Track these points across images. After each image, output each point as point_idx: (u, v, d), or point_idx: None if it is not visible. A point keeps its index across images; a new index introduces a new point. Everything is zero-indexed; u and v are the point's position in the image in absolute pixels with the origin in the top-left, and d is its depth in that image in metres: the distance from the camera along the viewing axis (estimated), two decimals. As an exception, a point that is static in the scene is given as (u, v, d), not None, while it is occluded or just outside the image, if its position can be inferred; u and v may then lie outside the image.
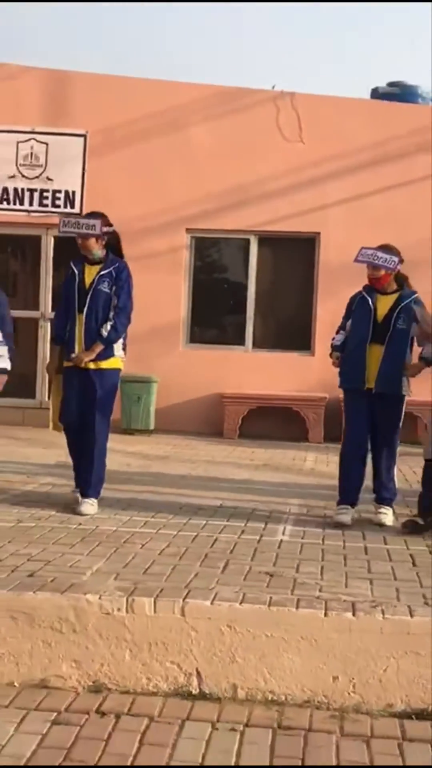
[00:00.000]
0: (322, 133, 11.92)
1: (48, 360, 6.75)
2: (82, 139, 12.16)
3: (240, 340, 12.31)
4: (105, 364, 6.29)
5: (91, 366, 6.25)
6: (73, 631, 4.12)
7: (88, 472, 6.37)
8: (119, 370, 6.45)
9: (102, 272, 6.30)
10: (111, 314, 6.27)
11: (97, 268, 6.34)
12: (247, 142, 11.97)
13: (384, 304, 6.36)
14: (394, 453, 6.46)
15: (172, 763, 3.45)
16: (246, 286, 12.23)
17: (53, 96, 12.16)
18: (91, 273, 6.33)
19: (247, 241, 12.17)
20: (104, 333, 6.25)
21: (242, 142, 11.97)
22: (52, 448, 9.60)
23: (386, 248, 6.44)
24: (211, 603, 4.17)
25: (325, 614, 4.11)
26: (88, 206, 11.93)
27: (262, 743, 3.66)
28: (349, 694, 4.01)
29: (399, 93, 13.70)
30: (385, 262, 6.33)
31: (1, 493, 6.95)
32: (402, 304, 6.33)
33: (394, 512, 6.43)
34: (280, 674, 4.06)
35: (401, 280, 6.50)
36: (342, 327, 6.61)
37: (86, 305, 6.24)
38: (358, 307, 6.43)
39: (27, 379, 12.21)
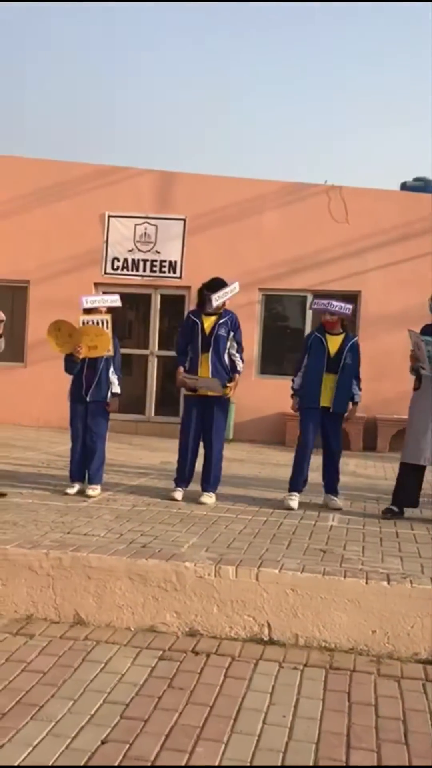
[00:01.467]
0: (363, 216, 11.85)
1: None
2: (182, 222, 12.31)
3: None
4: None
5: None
6: (174, 590, 4.13)
7: (207, 471, 6.32)
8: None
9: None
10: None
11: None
12: (305, 223, 11.97)
13: (334, 343, 6.24)
14: (340, 454, 6.41)
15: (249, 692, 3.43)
16: (303, 331, 12.18)
17: (162, 190, 12.35)
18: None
19: (305, 297, 12.14)
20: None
21: (301, 223, 11.98)
22: (158, 452, 9.71)
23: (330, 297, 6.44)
24: (279, 571, 4.13)
25: (366, 582, 4.05)
26: (186, 273, 12.12)
27: (317, 679, 3.62)
28: (384, 644, 3.94)
29: (423, 185, 13.61)
30: (341, 309, 6.22)
31: (120, 484, 6.99)
32: (348, 344, 6.24)
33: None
34: (331, 627, 4.00)
35: (344, 324, 6.39)
36: (299, 366, 6.42)
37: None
38: (314, 345, 6.29)
39: (140, 399, 12.36)
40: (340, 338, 6.30)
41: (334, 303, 6.24)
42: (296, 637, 4.01)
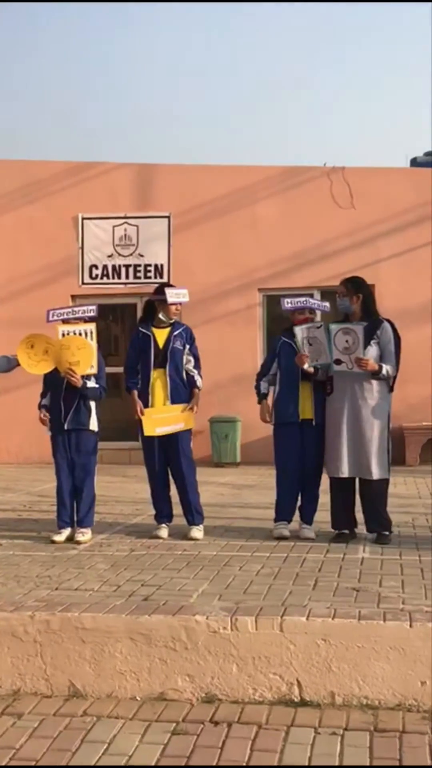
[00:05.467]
0: (371, 199, 11.80)
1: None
2: (166, 220, 12.22)
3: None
4: None
5: None
6: (185, 649, 3.98)
7: (183, 504, 6.35)
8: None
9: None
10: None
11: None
12: (306, 212, 11.91)
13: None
14: (320, 476, 6.34)
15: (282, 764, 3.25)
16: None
17: (141, 185, 12.28)
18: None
19: (311, 296, 12.00)
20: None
21: (302, 212, 11.92)
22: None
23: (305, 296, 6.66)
24: (307, 619, 3.99)
25: (410, 625, 3.89)
26: (174, 277, 12.01)
27: (361, 745, 3.45)
28: (437, 697, 3.77)
29: (436, 161, 13.54)
30: (318, 306, 6.40)
31: (116, 525, 6.87)
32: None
33: None
34: (373, 681, 3.84)
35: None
36: (265, 371, 6.45)
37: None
38: (283, 351, 6.25)
39: (131, 424, 12.16)
40: None
41: (311, 300, 6.40)
42: (332, 696, 3.85)
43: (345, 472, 5.92)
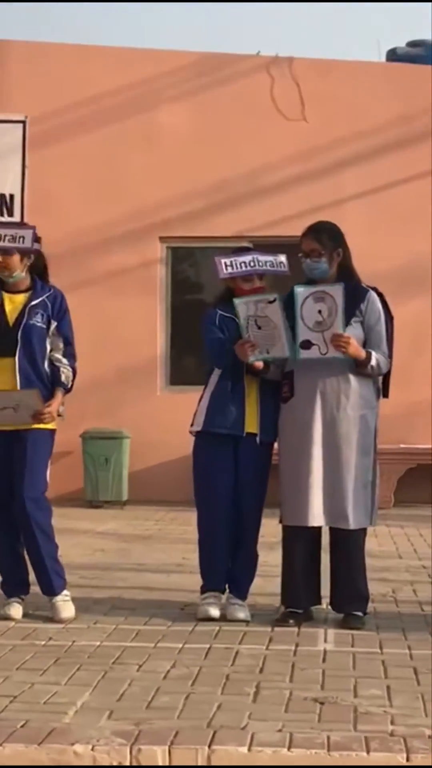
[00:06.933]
0: (331, 108, 11.92)
1: None
2: (20, 126, 11.95)
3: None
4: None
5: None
6: (58, 798, 3.87)
7: (32, 556, 6.26)
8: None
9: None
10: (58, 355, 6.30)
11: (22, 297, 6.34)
12: (234, 123, 11.96)
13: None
14: (259, 521, 6.42)
15: None
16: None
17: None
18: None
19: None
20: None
21: (228, 125, 11.96)
22: None
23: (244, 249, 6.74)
24: (248, 749, 3.91)
25: (407, 758, 3.86)
26: (30, 214, 11.78)
27: None
28: None
29: (424, 54, 13.71)
30: (274, 266, 6.28)
31: None
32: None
33: None
34: None
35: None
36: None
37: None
38: (225, 329, 6.27)
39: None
40: None
41: (261, 258, 6.29)
42: None
43: (314, 519, 5.94)
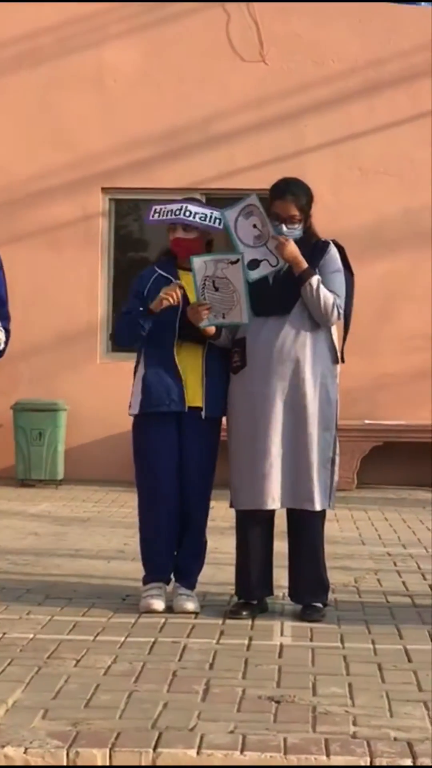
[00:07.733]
0: (293, 48, 11.94)
1: None
2: None
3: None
4: None
5: None
6: (-13, 805, 3.88)
7: None
8: None
9: None
10: None
11: None
12: (185, 64, 11.98)
13: (192, 286, 6.20)
14: (208, 505, 6.49)
15: None
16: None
17: None
18: None
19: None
20: None
21: (178, 65, 11.98)
22: None
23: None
24: (197, 753, 3.92)
25: (371, 762, 3.87)
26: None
27: None
28: None
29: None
30: (205, 220, 6.18)
31: None
32: None
33: None
34: None
35: (211, 244, 6.48)
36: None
37: None
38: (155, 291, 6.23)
39: None
40: None
41: (192, 208, 6.23)
42: None
43: (273, 502, 5.95)
